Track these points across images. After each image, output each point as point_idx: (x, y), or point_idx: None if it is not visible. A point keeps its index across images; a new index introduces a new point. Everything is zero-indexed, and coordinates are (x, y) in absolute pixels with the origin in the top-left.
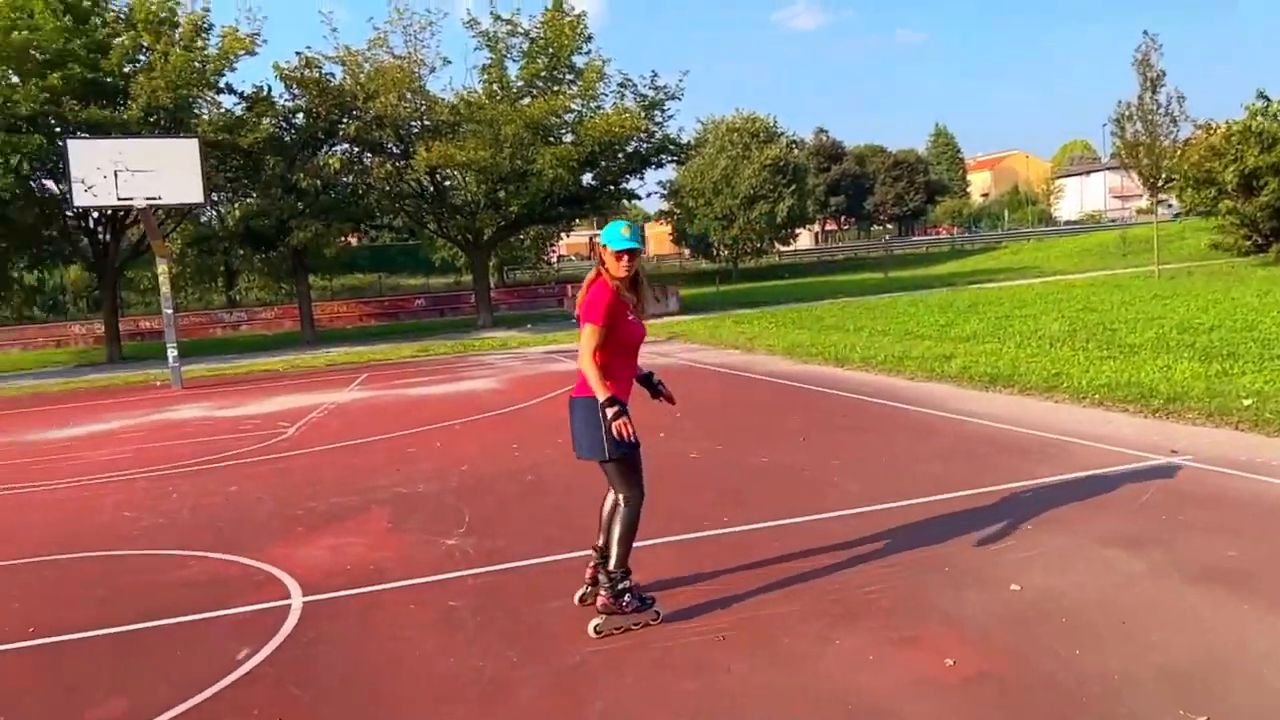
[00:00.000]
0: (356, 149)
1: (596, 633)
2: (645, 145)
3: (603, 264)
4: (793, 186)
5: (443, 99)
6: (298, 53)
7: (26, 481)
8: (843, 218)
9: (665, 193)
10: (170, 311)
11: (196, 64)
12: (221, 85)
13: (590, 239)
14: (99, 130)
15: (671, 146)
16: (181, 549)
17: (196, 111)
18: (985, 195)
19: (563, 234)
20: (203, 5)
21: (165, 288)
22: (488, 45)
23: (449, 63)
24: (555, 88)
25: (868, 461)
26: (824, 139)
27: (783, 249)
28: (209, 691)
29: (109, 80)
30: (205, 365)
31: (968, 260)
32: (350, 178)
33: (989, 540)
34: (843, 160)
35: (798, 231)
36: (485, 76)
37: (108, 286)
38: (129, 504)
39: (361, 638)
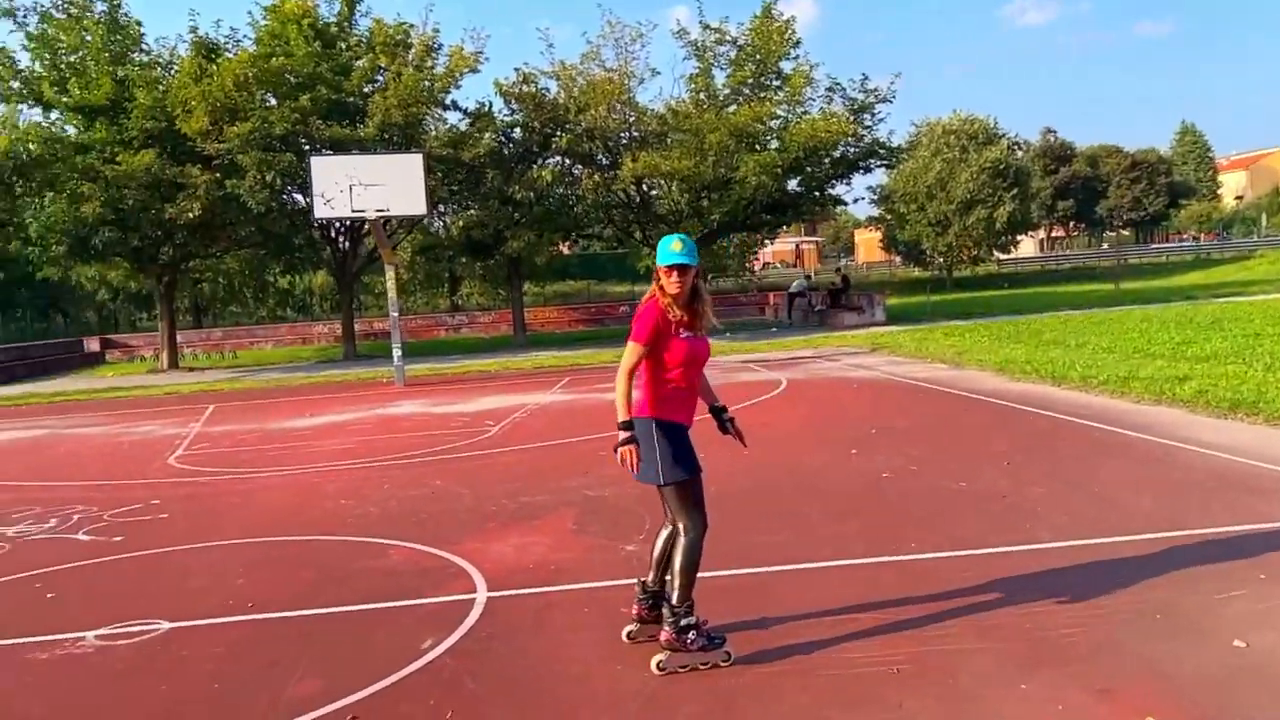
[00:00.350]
0: (568, 161)
1: (660, 669)
2: (853, 150)
3: (657, 281)
4: (1014, 190)
5: (651, 109)
6: (516, 69)
7: (264, 467)
8: (1071, 223)
9: (875, 198)
10: (396, 315)
11: (425, 83)
12: (447, 102)
13: (796, 245)
14: (340, 147)
15: (881, 150)
16: (387, 538)
17: (425, 128)
18: (1239, 198)
19: (767, 241)
20: (432, 26)
21: (392, 293)
22: (696, 54)
23: (657, 74)
24: (761, 94)
25: (1077, 491)
26: (1051, 140)
27: (1002, 257)
28: (393, 678)
29: (350, 100)
30: (427, 365)
31: (1214, 270)
32: (561, 189)
33: (1212, 588)
34: (1072, 162)
35: (1019, 238)
36: (692, 85)
37: (346, 290)
38: (348, 492)
39: (534, 638)
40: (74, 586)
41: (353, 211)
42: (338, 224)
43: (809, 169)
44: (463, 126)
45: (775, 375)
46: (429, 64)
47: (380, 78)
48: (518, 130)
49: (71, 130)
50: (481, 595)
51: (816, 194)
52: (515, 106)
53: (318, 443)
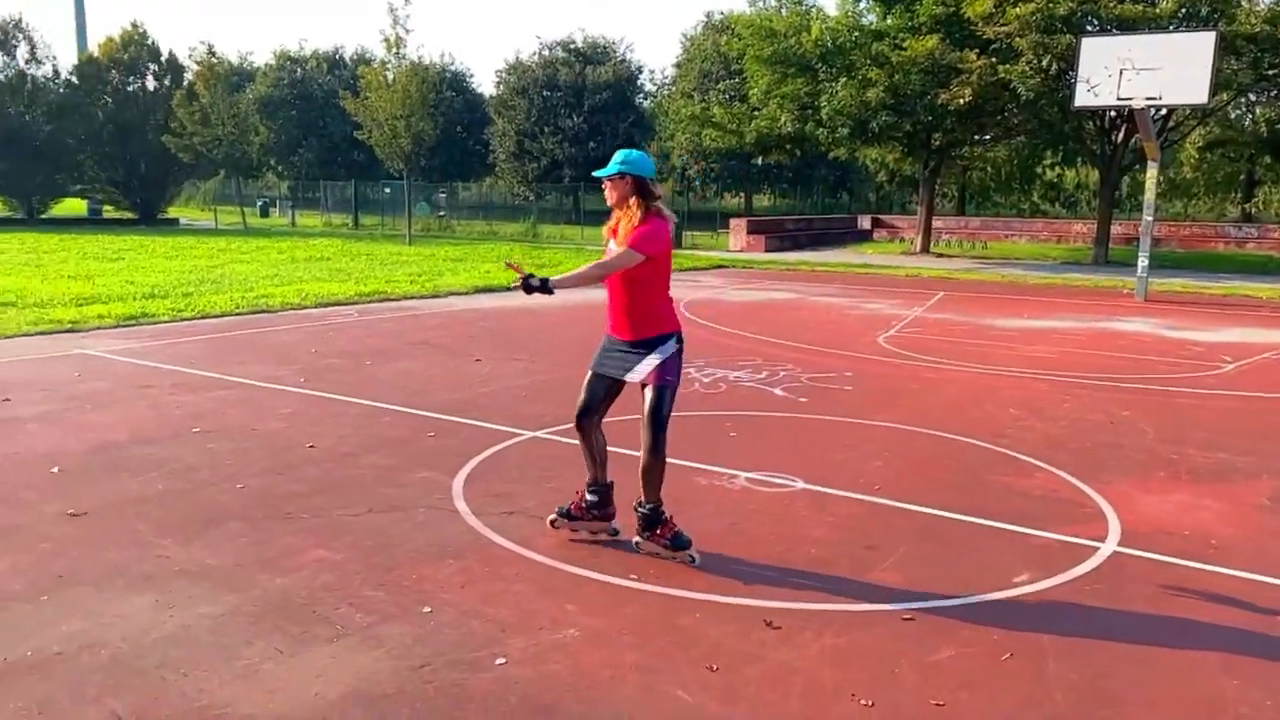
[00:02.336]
0: None
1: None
2: None
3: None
4: None
5: None
6: None
7: (958, 359)
8: None
9: None
10: (1150, 219)
11: None
12: None
13: None
14: (1128, 27)
15: None
16: (1037, 459)
17: (1234, 2)
18: None
19: None
20: None
21: (1150, 194)
22: None
23: None
24: None
25: None
26: None
27: None
28: (966, 599)
29: None
30: (1182, 280)
31: None
32: None
33: None
34: None
35: None
36: None
37: (1108, 187)
38: (1021, 402)
39: (1132, 617)
40: (751, 431)
41: (1118, 99)
42: (1112, 113)
43: None
44: None
45: None
46: None
47: None
48: None
49: (871, 19)
50: (1108, 547)
51: None
52: None
53: (1022, 346)
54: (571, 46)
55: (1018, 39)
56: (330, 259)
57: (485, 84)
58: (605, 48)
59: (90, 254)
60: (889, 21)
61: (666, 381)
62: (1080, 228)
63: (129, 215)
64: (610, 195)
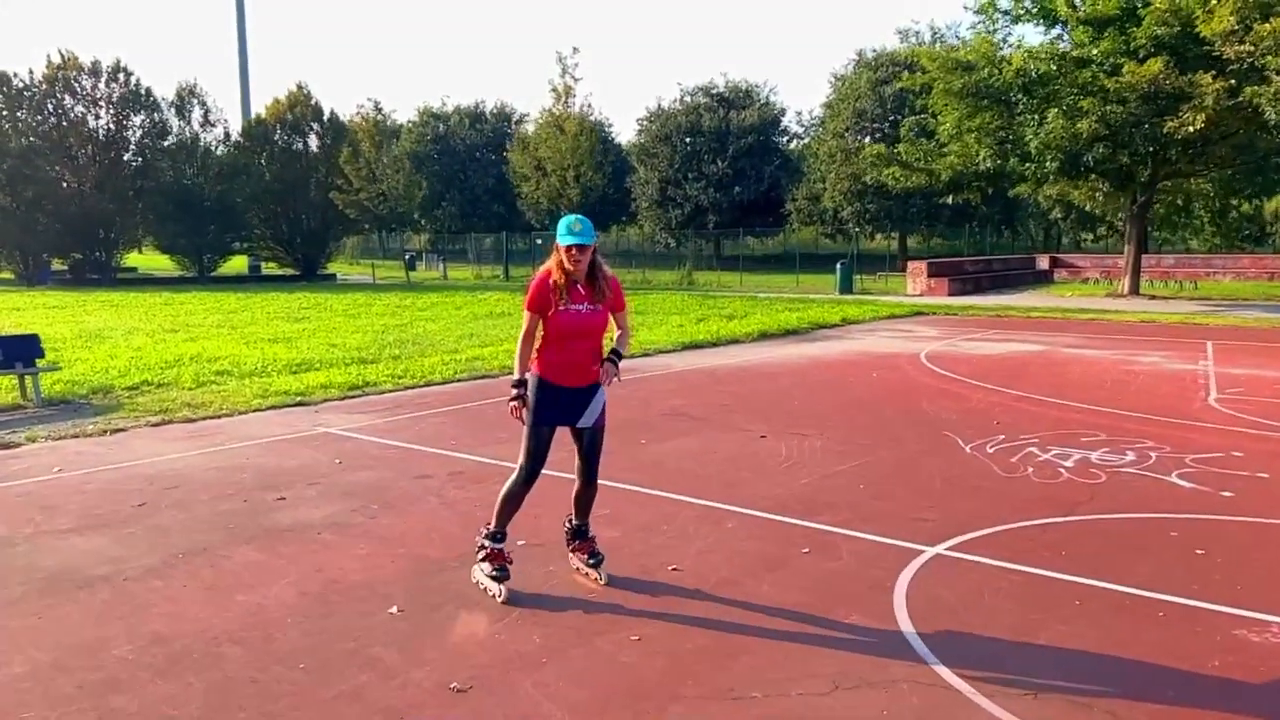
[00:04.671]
0: None
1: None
2: None
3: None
4: None
5: None
6: None
7: None
8: None
9: None
10: None
11: None
12: None
13: None
14: None
15: None
16: None
17: None
18: None
19: None
20: None
21: None
22: None
23: None
24: None
25: None
26: None
27: None
28: None
29: None
30: None
31: None
32: None
33: None
34: None
35: None
36: None
37: None
38: None
39: None
40: (1214, 545)
41: None
42: None
43: None
44: None
45: None
46: None
47: None
48: None
49: (1070, 44)
50: None
51: None
52: None
53: None
54: (713, 91)
55: (1269, 57)
56: (510, 314)
57: (622, 132)
58: (748, 91)
59: (275, 313)
60: (1100, 46)
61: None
62: None
63: (290, 271)
64: (583, 261)
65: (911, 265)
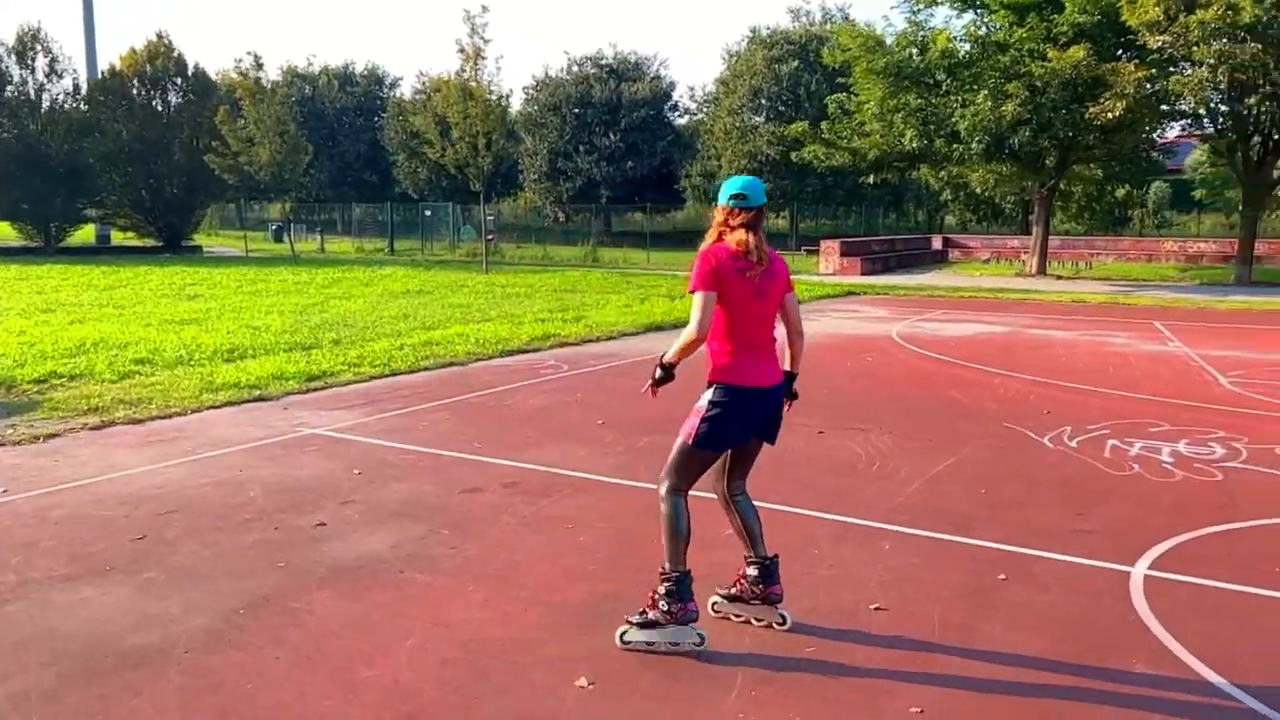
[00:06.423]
0: None
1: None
2: None
3: None
4: None
5: None
6: None
7: None
8: None
9: None
10: None
11: None
12: None
13: None
14: None
15: None
16: None
17: None
18: None
19: None
20: None
21: None
22: None
23: None
24: None
25: None
26: None
27: None
28: None
29: None
30: None
31: None
32: None
33: None
34: None
35: None
36: None
37: (1253, 204)
38: None
39: None
40: None
41: None
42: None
43: None
44: None
45: None
46: None
47: None
48: None
49: (992, 28)
50: None
51: None
52: None
53: None
54: (602, 62)
55: (1196, 49)
56: (433, 292)
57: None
58: (638, 64)
59: (159, 290)
60: (1020, 33)
61: (686, 433)
62: (1170, 245)
63: (151, 242)
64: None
65: (825, 244)
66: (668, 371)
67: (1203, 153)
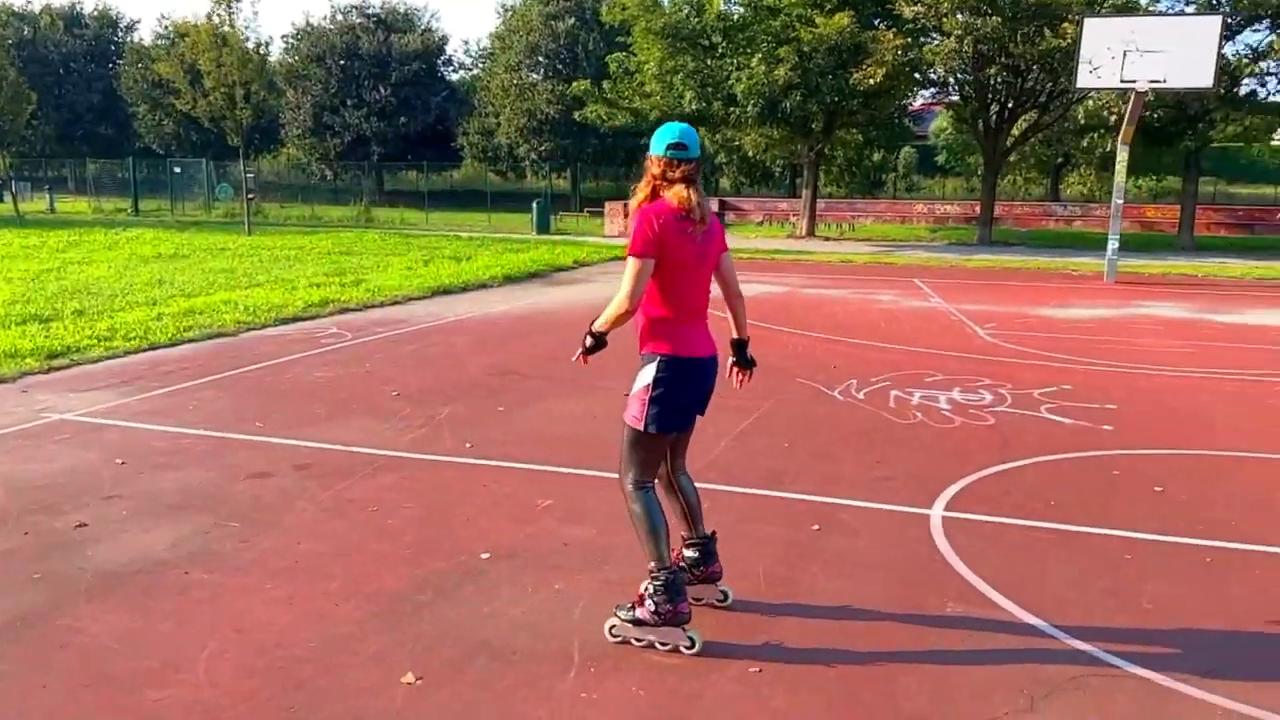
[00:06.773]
0: None
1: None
2: None
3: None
4: None
5: None
6: None
7: (1122, 360)
8: None
9: None
10: (1120, 202)
11: None
12: None
13: None
14: (1046, 12)
15: None
16: None
17: None
18: None
19: None
20: None
21: (1119, 178)
22: None
23: None
24: None
25: None
26: None
27: None
28: None
29: None
30: (1086, 259)
31: None
32: None
33: None
34: None
35: None
36: None
37: (992, 169)
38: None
39: None
40: (1172, 482)
41: (1121, 81)
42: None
43: None
44: None
45: None
46: None
47: None
48: None
49: None
50: None
51: None
52: None
53: (1138, 341)
54: (369, 11)
55: (945, 20)
56: (190, 256)
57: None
58: (407, 15)
59: None
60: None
61: (633, 419)
62: (921, 208)
63: None
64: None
65: (609, 206)
66: (599, 339)
67: (946, 120)
